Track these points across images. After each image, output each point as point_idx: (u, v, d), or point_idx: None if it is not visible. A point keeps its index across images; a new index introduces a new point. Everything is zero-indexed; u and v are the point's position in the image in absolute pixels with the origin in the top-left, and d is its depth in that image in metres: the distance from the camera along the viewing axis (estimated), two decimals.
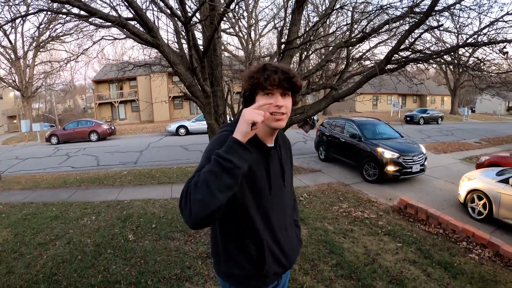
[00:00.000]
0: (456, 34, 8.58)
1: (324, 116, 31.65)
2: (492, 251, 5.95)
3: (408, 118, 35.60)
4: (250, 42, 20.66)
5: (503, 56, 5.95)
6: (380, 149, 11.21)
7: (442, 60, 6.61)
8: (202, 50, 4.42)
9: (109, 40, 7.68)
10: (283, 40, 5.30)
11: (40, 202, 9.12)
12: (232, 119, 6.75)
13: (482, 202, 7.96)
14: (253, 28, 21.41)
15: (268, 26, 22.56)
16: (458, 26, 7.78)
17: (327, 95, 6.15)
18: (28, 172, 14.56)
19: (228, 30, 18.41)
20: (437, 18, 6.33)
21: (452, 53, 6.50)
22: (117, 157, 17.52)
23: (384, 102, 51.55)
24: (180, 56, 6.07)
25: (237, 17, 15.91)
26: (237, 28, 20.19)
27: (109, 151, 19.66)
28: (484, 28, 5.88)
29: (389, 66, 5.29)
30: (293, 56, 5.74)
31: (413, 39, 5.27)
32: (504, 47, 5.63)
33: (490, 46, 5.56)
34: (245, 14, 16.47)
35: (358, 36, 5.56)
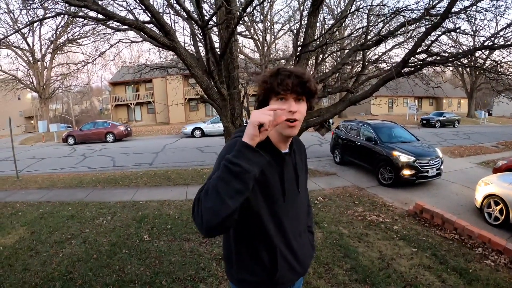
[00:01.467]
0: (473, 36, 8.49)
1: (339, 119, 31.52)
2: (508, 258, 5.85)
3: (424, 121, 35.31)
4: (266, 44, 20.67)
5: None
6: (396, 153, 11.13)
7: (460, 63, 6.56)
8: (219, 53, 4.45)
9: (126, 43, 7.75)
10: (299, 43, 5.31)
11: (57, 201, 9.25)
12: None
13: (498, 207, 7.84)
14: (268, 30, 21.44)
15: (284, 28, 22.57)
16: (475, 28, 7.69)
17: (343, 98, 6.13)
18: (45, 171, 14.74)
19: (244, 33, 18.43)
20: (453, 20, 6.30)
21: (469, 56, 6.44)
22: (133, 158, 17.67)
23: (400, 105, 51.29)
24: (197, 59, 6.11)
25: (252, 20, 15.93)
26: (252, 31, 20.26)
27: (125, 152, 19.85)
28: (501, 30, 5.83)
29: (406, 69, 5.27)
30: (309, 59, 5.74)
31: (430, 42, 5.24)
32: None
33: (507, 48, 5.51)
34: (261, 17, 16.48)
35: (374, 39, 5.54)
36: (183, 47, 5.44)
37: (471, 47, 5.63)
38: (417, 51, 4.77)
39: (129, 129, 28.26)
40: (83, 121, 56.29)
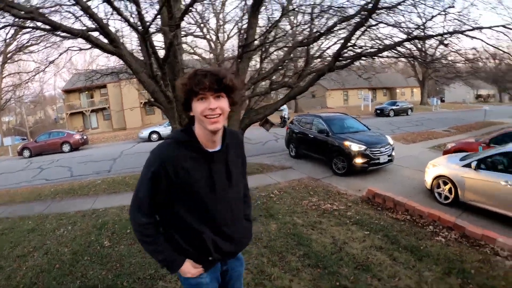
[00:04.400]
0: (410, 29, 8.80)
1: (295, 114, 31.88)
2: (458, 233, 6.19)
3: (378, 111, 36.15)
4: (219, 44, 20.76)
5: (445, 48, 6.26)
6: (347, 143, 11.46)
7: (397, 53, 6.88)
8: (162, 57, 4.57)
9: (75, 50, 7.75)
10: (241, 43, 5.47)
11: (16, 216, 9.09)
12: None
13: (447, 187, 8.29)
14: (221, 30, 21.52)
15: (235, 29, 22.77)
16: (424, 20, 7.94)
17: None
18: (1, 187, 14.37)
19: (195, 33, 18.40)
20: (377, 16, 6.59)
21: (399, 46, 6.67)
22: (90, 166, 17.44)
23: (355, 97, 52.34)
24: (145, 64, 6.18)
25: (204, 21, 15.93)
26: (205, 31, 20.27)
27: (82, 161, 19.54)
28: (425, 22, 6.13)
29: (339, 63, 5.51)
30: (251, 58, 5.92)
31: (355, 38, 5.47)
32: (445, 39, 5.92)
33: (435, 38, 5.83)
34: (212, 16, 16.53)
35: (315, 35, 5.75)
36: (129, 53, 5.54)
37: (395, 42, 5.90)
38: (347, 46, 5.01)
39: (85, 137, 27.77)
40: (39, 132, 54.63)
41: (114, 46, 5.08)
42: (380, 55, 6.31)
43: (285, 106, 29.00)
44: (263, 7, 6.80)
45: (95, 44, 5.26)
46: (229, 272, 2.48)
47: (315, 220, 7.12)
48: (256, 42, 5.53)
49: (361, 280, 4.71)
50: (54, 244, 6.79)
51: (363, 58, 5.72)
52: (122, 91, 38.73)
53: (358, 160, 11.11)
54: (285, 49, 6.30)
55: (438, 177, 8.61)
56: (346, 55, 5.64)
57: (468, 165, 7.96)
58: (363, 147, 11.21)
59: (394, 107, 36.00)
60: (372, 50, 5.69)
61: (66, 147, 25.44)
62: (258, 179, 11.19)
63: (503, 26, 4.96)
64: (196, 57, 20.71)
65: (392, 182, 10.41)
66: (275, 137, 21.97)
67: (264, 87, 5.89)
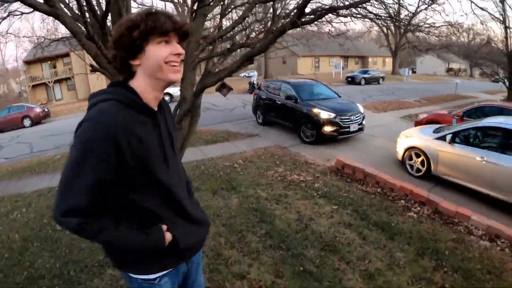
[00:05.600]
0: None
1: (264, 80, 31.67)
2: (431, 209, 6.01)
3: (349, 79, 36.22)
4: (186, 7, 19.99)
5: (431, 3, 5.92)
6: (316, 110, 11.14)
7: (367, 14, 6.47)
8: (102, 14, 4.01)
9: (17, 15, 7.11)
10: None
11: None
12: None
13: (420, 159, 8.15)
14: None
15: None
16: None
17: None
18: None
19: None
20: None
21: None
22: (51, 141, 16.67)
23: (326, 64, 52.66)
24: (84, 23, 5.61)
25: None
26: None
27: (43, 135, 18.69)
28: None
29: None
30: (206, 14, 5.38)
31: None
32: None
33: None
34: None
35: None
36: (69, 13, 4.96)
37: None
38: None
39: (46, 110, 26.70)
40: (2, 107, 52.97)
41: (49, 5, 4.47)
42: (354, 14, 5.85)
43: (254, 72, 28.55)
44: None
45: (28, 4, 4.64)
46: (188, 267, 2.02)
47: (280, 192, 6.79)
48: None
49: (328, 264, 4.35)
50: (6, 230, 6.26)
51: (333, 13, 5.21)
52: (86, 59, 37.49)
53: (327, 128, 10.80)
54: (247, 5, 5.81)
55: (410, 148, 8.44)
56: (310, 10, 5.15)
57: (442, 138, 7.78)
58: (332, 115, 10.89)
59: (365, 76, 36.07)
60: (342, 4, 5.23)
61: (27, 122, 24.27)
62: (223, 147, 10.90)
63: None
64: None
65: (362, 152, 10.21)
66: (243, 103, 21.67)
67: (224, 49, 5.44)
